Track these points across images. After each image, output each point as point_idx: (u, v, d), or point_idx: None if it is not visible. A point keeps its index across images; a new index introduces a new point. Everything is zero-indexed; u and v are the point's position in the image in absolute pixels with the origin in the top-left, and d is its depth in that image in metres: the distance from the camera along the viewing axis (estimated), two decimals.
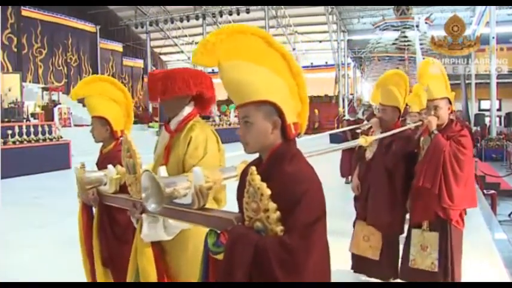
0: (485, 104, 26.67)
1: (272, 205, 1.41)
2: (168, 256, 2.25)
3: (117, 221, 2.69)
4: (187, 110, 2.37)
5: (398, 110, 3.77)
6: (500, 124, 24.60)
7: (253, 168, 1.47)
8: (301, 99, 1.60)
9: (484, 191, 8.96)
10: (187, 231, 2.17)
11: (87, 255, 2.90)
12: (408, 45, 26.86)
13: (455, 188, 3.30)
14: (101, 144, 3.08)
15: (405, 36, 27.45)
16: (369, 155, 3.83)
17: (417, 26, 25.48)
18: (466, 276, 4.35)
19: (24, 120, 15.07)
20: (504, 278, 4.32)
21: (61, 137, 14.48)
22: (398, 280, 3.77)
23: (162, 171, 1.87)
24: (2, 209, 7.95)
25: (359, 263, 3.88)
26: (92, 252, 2.82)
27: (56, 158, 13.47)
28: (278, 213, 1.41)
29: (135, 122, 26.78)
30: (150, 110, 34.24)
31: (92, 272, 2.87)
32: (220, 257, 1.51)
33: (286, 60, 1.57)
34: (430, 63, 3.68)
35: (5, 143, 12.39)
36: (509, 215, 8.63)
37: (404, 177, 3.58)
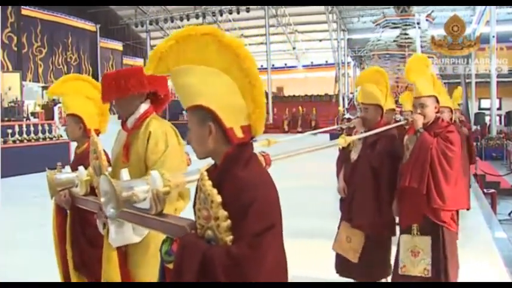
0: (485, 103, 26.64)
1: (222, 213, 1.35)
2: (130, 259, 2.23)
3: (90, 224, 2.59)
4: (144, 107, 2.37)
5: (380, 108, 3.62)
6: (500, 123, 24.59)
7: (205, 173, 1.41)
8: (254, 99, 1.48)
9: (484, 189, 8.97)
10: (148, 233, 2.15)
11: (60, 258, 2.86)
12: (409, 42, 26.68)
13: (446, 186, 3.14)
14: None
15: (406, 33, 27.29)
16: (354, 156, 3.69)
17: (418, 24, 25.32)
18: (465, 276, 4.36)
19: (24, 119, 15.08)
20: (504, 277, 4.32)
21: (61, 136, 14.47)
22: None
23: (124, 174, 1.82)
24: (1, 208, 7.95)
25: (343, 263, 3.72)
26: (66, 255, 2.77)
27: (56, 157, 13.30)
28: (228, 221, 1.35)
29: None
30: None
31: (65, 275, 2.83)
32: (171, 266, 1.46)
33: (239, 58, 1.46)
34: (420, 59, 3.59)
35: (5, 142, 12.39)
36: (509, 214, 8.63)
37: (389, 177, 3.45)
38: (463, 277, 4.27)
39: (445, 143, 3.17)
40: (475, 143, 10.53)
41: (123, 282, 2.24)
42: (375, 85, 3.62)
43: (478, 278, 4.24)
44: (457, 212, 3.44)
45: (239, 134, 1.45)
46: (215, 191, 1.36)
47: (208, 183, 1.38)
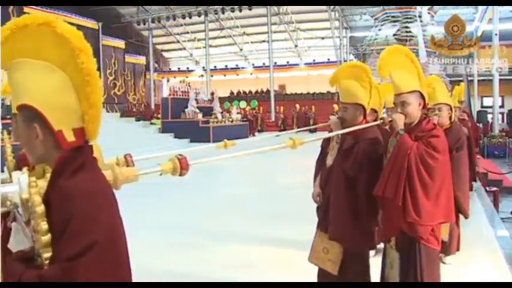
0: (487, 101, 26.64)
1: (42, 226, 1.19)
2: None
3: None
4: None
5: (362, 107, 3.14)
6: (502, 121, 24.56)
7: (33, 178, 1.26)
8: (88, 98, 1.30)
9: (487, 188, 8.96)
10: None
11: None
12: (410, 36, 26.24)
13: (424, 200, 2.69)
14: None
15: (407, 27, 26.83)
16: (329, 161, 3.28)
17: (420, 17, 24.97)
18: (467, 273, 4.36)
19: None
20: (506, 274, 4.32)
21: None
22: None
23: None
24: None
25: (323, 274, 3.34)
26: None
27: None
28: (48, 236, 1.19)
29: (137, 119, 26.76)
30: (153, 106, 34.30)
31: None
32: None
33: (73, 51, 1.28)
34: (397, 50, 3.07)
35: None
36: None
37: (368, 186, 2.98)
38: (464, 275, 4.29)
39: (427, 148, 2.72)
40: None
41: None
42: (355, 81, 3.15)
43: (480, 276, 4.24)
44: (439, 226, 2.91)
45: (70, 137, 1.29)
46: (38, 199, 1.21)
47: (34, 190, 1.22)
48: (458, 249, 4.73)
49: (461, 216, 4.69)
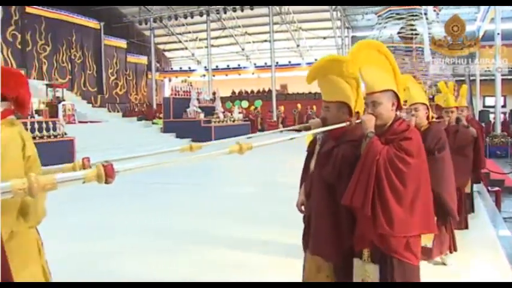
0: (489, 101, 26.56)
1: None
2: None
3: None
4: None
5: (346, 106, 2.74)
6: (505, 120, 24.50)
7: None
8: None
9: (489, 187, 8.95)
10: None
11: None
12: (415, 34, 25.92)
13: (397, 209, 2.41)
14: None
15: (412, 25, 26.49)
16: (312, 165, 2.93)
17: (425, 14, 24.74)
18: (469, 273, 4.36)
19: (29, 117, 15.13)
20: (507, 274, 4.31)
21: (65, 134, 14.51)
22: None
23: None
24: None
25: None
26: None
27: (60, 154, 13.46)
28: None
29: (139, 119, 26.85)
30: (154, 106, 34.34)
31: None
32: None
33: None
34: (368, 45, 2.73)
35: None
36: None
37: None
38: (466, 275, 4.28)
39: (398, 152, 2.45)
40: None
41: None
42: (339, 77, 2.74)
43: (481, 276, 4.24)
44: (419, 237, 2.61)
45: None
46: None
47: None
48: (455, 250, 4.62)
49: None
